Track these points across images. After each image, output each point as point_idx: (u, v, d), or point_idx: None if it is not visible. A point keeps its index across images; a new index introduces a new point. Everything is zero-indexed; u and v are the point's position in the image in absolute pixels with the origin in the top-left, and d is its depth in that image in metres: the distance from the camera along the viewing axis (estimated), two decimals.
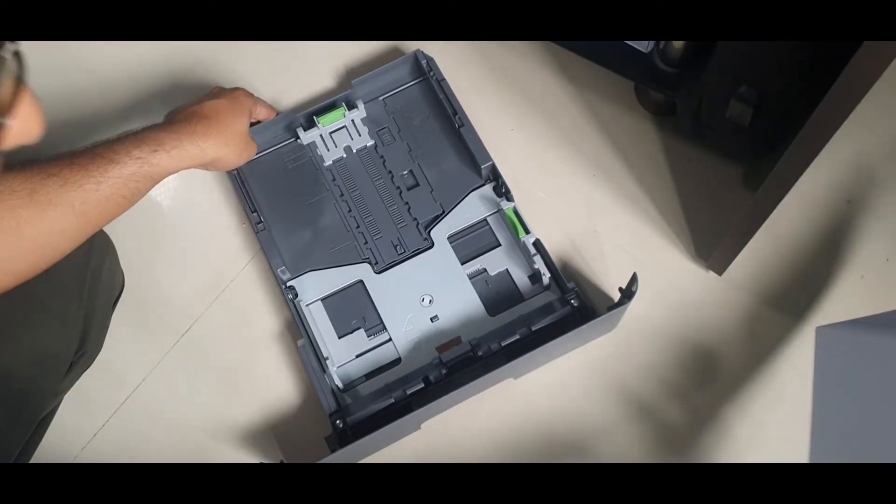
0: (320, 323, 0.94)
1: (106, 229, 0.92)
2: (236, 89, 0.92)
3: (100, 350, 0.86)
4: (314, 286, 0.96)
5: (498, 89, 1.10)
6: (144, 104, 1.12)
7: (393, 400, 0.87)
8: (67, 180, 0.67)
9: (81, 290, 0.76)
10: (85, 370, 0.84)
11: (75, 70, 1.14)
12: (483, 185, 1.00)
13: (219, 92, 0.91)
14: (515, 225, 0.95)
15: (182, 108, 0.86)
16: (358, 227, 1.00)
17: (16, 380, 0.70)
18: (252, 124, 0.96)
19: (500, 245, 0.98)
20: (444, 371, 0.89)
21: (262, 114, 0.98)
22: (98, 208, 0.70)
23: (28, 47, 1.12)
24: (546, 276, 0.93)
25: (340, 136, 1.04)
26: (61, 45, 1.15)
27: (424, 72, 1.05)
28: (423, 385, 0.88)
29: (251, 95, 0.94)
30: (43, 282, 0.67)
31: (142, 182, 0.74)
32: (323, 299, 0.96)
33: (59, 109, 1.12)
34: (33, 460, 0.86)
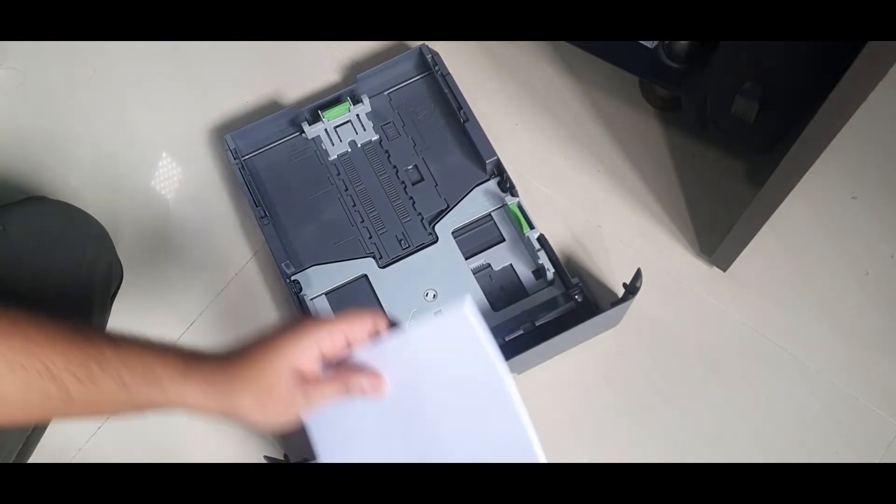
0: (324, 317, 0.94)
1: (108, 221, 0.92)
2: (299, 321, 0.61)
3: None
4: (318, 280, 0.96)
5: (503, 85, 1.10)
6: (147, 103, 1.12)
7: None
8: (30, 383, 0.55)
9: (77, 283, 0.76)
10: None
11: (80, 70, 1.14)
12: (487, 180, 1.00)
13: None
14: (519, 220, 0.95)
15: None
16: (362, 221, 1.00)
17: None
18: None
19: (504, 240, 0.98)
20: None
21: (353, 335, 0.61)
22: (43, 410, 0.57)
23: (36, 46, 1.11)
24: (550, 272, 0.93)
25: (345, 131, 1.04)
26: (67, 45, 1.15)
27: (429, 66, 1.05)
28: None
29: (315, 322, 0.60)
30: (37, 277, 0.66)
31: (124, 409, 0.58)
32: (327, 293, 0.96)
33: (62, 110, 1.12)
34: (36, 454, 0.87)
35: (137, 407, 0.58)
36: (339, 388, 0.60)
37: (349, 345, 0.61)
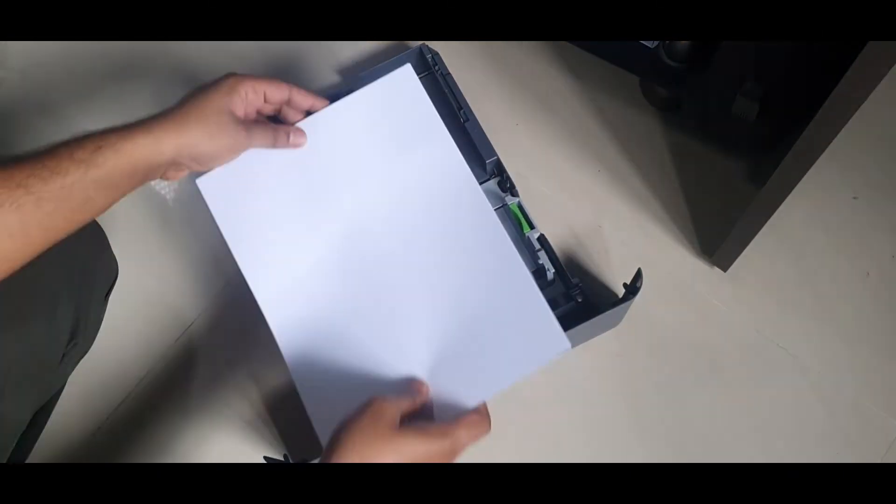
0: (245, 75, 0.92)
1: (108, 220, 0.92)
2: (224, 78, 0.73)
3: (93, 340, 0.86)
4: None
5: (503, 84, 1.10)
6: (148, 103, 1.12)
7: None
8: (3, 202, 0.60)
9: (70, 281, 0.76)
10: (79, 360, 0.84)
11: (79, 70, 1.14)
12: (488, 180, 1.00)
13: None
14: (520, 220, 0.95)
15: None
16: None
17: (4, 372, 0.69)
18: (272, 118, 0.77)
19: None
20: None
21: (270, 92, 0.74)
22: (40, 227, 0.62)
23: (36, 46, 1.10)
24: (550, 272, 0.93)
25: None
26: (67, 45, 1.15)
27: (429, 66, 1.05)
28: None
29: (239, 74, 0.73)
30: (28, 275, 0.66)
31: (92, 189, 0.63)
32: None
33: (62, 110, 1.12)
34: (37, 454, 0.87)
35: (100, 181, 0.63)
36: (269, 134, 0.74)
37: (266, 103, 0.74)
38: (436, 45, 1.06)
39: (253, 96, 0.73)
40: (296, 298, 0.74)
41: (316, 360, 0.73)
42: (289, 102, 0.75)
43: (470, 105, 1.01)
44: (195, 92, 0.70)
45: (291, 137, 0.75)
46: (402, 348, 0.70)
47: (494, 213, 0.73)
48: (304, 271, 0.74)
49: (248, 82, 0.72)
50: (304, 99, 0.75)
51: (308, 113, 0.77)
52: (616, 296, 0.96)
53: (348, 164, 0.76)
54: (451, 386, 0.69)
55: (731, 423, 0.91)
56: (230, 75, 0.72)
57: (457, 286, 0.72)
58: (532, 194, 1.02)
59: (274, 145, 0.74)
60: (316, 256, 0.74)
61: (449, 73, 1.03)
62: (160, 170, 0.68)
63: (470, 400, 0.68)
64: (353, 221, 0.75)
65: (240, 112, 0.72)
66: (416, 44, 1.08)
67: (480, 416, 0.67)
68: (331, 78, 1.12)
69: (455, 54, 1.08)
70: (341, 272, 0.74)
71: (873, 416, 0.91)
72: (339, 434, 0.61)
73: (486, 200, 0.73)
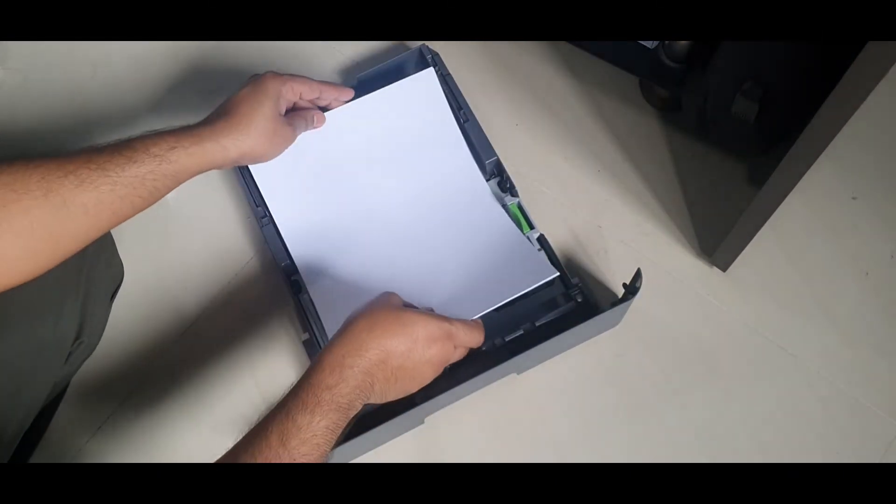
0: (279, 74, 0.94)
1: None
2: (263, 74, 0.85)
3: (99, 339, 0.86)
4: None
5: (503, 85, 1.10)
6: (149, 104, 1.12)
7: None
8: (84, 180, 0.65)
9: (78, 281, 0.76)
10: (85, 359, 0.84)
11: (80, 70, 1.14)
12: (488, 180, 1.00)
13: (247, 81, 0.86)
14: (520, 220, 0.95)
15: (218, 105, 0.84)
16: None
17: (10, 371, 0.70)
18: (290, 109, 0.90)
19: None
20: (447, 366, 0.89)
21: (304, 92, 0.89)
22: (111, 209, 0.68)
23: (37, 46, 1.11)
24: None
25: None
26: (67, 45, 1.15)
27: (429, 66, 1.05)
28: None
29: (279, 76, 0.85)
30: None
31: (160, 181, 0.72)
32: None
33: (63, 110, 1.12)
34: (36, 454, 0.87)
35: (169, 175, 0.73)
36: (304, 122, 0.90)
37: (300, 98, 0.89)
38: (436, 45, 1.06)
39: (291, 95, 0.87)
40: (315, 235, 0.92)
41: (330, 285, 0.90)
42: (318, 98, 0.92)
43: (470, 105, 1.01)
44: (247, 98, 0.81)
45: (316, 121, 0.92)
46: (410, 288, 0.82)
47: (490, 191, 0.96)
48: (324, 215, 0.93)
49: (288, 84, 0.86)
50: (331, 92, 0.92)
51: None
52: (615, 296, 0.96)
53: (369, 146, 0.95)
54: (452, 310, 0.80)
55: (731, 423, 0.91)
56: (272, 77, 0.84)
57: (458, 241, 0.92)
58: (532, 194, 1.02)
59: (305, 129, 0.91)
60: (336, 207, 0.94)
61: (449, 74, 1.03)
62: (221, 168, 0.81)
63: (468, 314, 0.82)
64: (369, 190, 0.94)
65: (283, 111, 0.86)
66: (416, 44, 1.08)
67: (477, 324, 0.80)
68: (330, 79, 1.12)
69: (455, 54, 1.08)
70: (356, 227, 0.93)
71: (872, 416, 0.91)
72: (350, 317, 0.73)
73: (485, 181, 0.96)
